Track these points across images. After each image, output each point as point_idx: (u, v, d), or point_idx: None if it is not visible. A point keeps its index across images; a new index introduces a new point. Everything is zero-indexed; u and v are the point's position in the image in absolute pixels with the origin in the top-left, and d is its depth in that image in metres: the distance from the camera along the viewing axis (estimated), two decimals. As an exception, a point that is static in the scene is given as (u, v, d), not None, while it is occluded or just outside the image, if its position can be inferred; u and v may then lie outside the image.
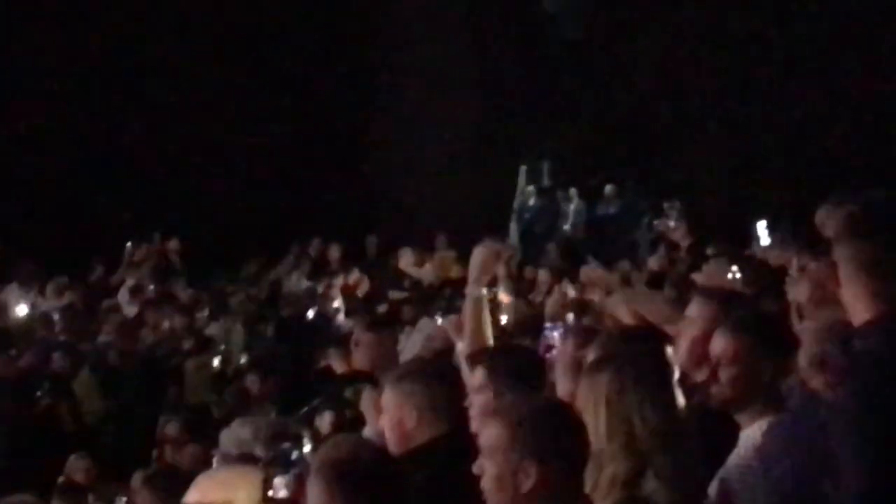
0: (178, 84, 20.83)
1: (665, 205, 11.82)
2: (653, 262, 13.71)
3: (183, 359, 13.54)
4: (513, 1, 22.69)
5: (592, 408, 3.82)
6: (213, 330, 14.46)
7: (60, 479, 9.79)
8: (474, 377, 4.97)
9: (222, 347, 14.06)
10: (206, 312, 15.05)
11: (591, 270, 7.44)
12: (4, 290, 15.78)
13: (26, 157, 19.72)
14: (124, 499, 7.32)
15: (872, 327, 3.41)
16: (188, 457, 9.62)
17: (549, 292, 13.85)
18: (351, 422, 9.60)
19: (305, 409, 10.68)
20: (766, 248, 9.31)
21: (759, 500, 4.03)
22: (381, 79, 22.51)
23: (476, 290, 5.87)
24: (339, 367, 10.97)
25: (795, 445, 4.00)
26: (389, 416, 4.95)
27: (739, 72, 20.63)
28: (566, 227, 21.13)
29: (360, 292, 16.14)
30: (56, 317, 14.17)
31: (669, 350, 4.59)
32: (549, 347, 6.95)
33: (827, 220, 6.57)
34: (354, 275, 16.40)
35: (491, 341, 5.73)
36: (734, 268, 7.37)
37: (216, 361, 13.55)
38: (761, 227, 9.55)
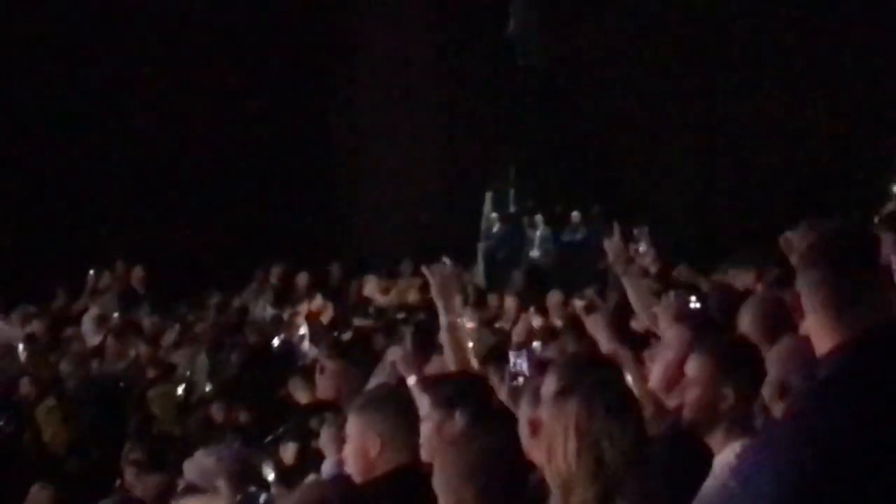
0: (141, 111, 20.77)
1: (634, 230, 11.89)
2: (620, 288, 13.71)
3: (146, 387, 13.46)
4: (478, 28, 22.73)
5: (561, 435, 3.81)
6: (177, 358, 14.38)
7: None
8: (421, 406, 4.97)
9: (187, 375, 14.00)
10: (170, 340, 14.98)
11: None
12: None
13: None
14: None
15: (836, 356, 3.41)
16: (151, 486, 9.55)
17: (515, 320, 13.88)
18: (316, 452, 9.57)
19: (270, 438, 10.65)
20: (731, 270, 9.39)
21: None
22: (346, 106, 22.50)
23: (450, 318, 5.91)
24: (303, 396, 10.95)
25: (772, 466, 3.85)
26: (353, 445, 4.92)
27: (706, 98, 20.75)
28: (532, 253, 21.17)
29: (325, 319, 16.12)
30: (20, 346, 14.09)
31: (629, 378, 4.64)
32: (516, 375, 6.95)
33: (790, 247, 6.61)
34: (318, 301, 16.38)
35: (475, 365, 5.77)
36: (692, 298, 7.43)
37: (180, 390, 13.50)
38: None
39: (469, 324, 7.75)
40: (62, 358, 14.01)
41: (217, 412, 12.08)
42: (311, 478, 7.74)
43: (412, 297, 17.15)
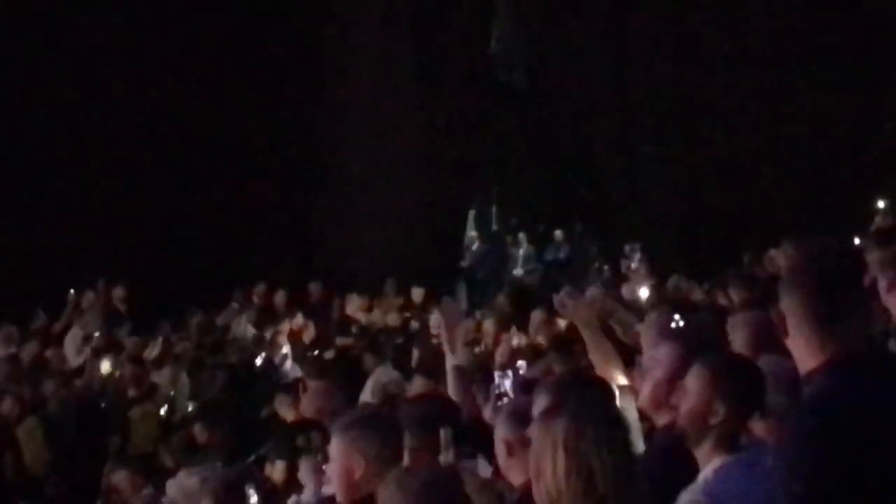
0: (121, 131, 20.75)
1: (626, 246, 11.93)
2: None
3: (128, 407, 13.41)
4: (460, 47, 22.77)
5: (550, 453, 3.85)
6: (158, 378, 14.34)
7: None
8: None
9: (169, 395, 13.96)
10: (151, 360, 14.94)
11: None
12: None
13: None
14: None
15: (819, 373, 3.44)
16: (132, 506, 9.53)
17: (495, 342, 13.85)
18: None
19: (253, 457, 10.61)
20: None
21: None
22: (327, 124, 22.51)
23: (457, 360, 6.03)
24: (288, 413, 10.93)
25: (744, 487, 4.05)
26: (337, 465, 4.90)
27: (690, 117, 20.81)
28: (516, 271, 21.20)
29: (307, 338, 16.10)
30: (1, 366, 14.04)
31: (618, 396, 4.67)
32: (501, 396, 6.97)
33: (775, 266, 6.63)
34: (299, 320, 16.35)
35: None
36: (676, 317, 7.44)
37: (162, 410, 13.46)
38: None
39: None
40: (44, 378, 13.95)
41: (199, 432, 12.02)
42: (293, 499, 7.73)
43: (391, 318, 17.15)
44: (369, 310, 17.65)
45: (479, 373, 8.29)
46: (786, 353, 3.84)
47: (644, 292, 11.94)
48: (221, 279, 18.69)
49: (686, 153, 20.71)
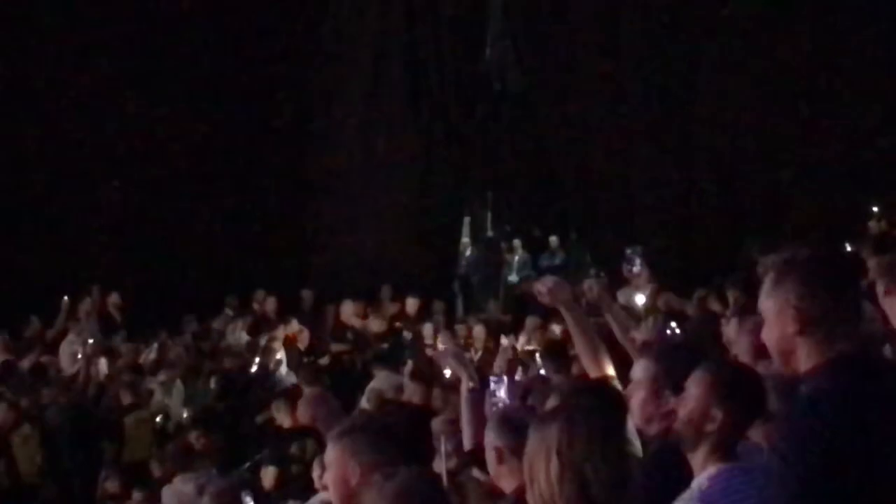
0: (116, 137, 20.77)
1: (627, 250, 11.93)
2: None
3: (123, 414, 13.43)
4: (454, 55, 22.79)
5: (544, 457, 3.87)
6: (153, 385, 14.36)
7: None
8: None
9: (163, 402, 13.98)
10: (146, 366, 14.97)
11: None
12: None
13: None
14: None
15: (815, 375, 3.44)
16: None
17: (485, 349, 13.91)
18: (295, 477, 9.57)
19: (248, 464, 10.65)
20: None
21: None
22: (322, 131, 22.53)
23: (471, 385, 6.17)
24: (284, 420, 10.96)
25: (737, 492, 4.04)
26: (333, 473, 4.86)
27: (684, 123, 20.84)
28: (510, 277, 21.21)
29: (301, 344, 16.12)
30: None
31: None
32: (494, 402, 6.98)
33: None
34: (294, 326, 16.37)
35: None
36: (673, 324, 7.46)
37: (157, 417, 13.48)
38: None
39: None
40: (39, 385, 13.97)
41: (195, 439, 12.06)
42: (289, 504, 7.77)
43: (380, 326, 17.16)
44: (364, 316, 17.64)
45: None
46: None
47: (640, 298, 11.96)
48: (216, 286, 18.71)
49: (680, 159, 20.73)
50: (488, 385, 7.38)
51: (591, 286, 7.22)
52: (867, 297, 7.66)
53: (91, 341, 15.08)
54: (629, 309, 10.90)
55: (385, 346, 16.08)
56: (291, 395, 11.28)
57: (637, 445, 5.13)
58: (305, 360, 15.49)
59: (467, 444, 6.29)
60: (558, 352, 9.43)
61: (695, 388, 4.26)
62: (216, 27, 21.09)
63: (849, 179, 18.25)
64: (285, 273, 19.95)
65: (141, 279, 18.96)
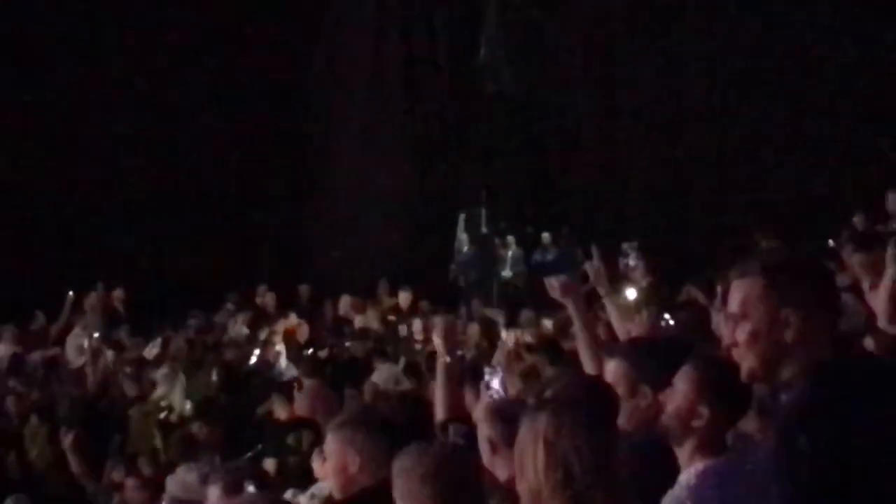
0: (119, 135, 20.86)
1: (624, 244, 11.93)
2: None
3: (128, 406, 13.58)
4: (449, 55, 22.86)
5: (531, 448, 3.88)
6: (157, 377, 14.49)
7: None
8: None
9: (167, 394, 14.09)
10: (150, 360, 15.07)
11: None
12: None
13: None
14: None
15: (802, 377, 3.37)
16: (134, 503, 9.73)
17: (477, 345, 13.99)
18: (294, 467, 9.77)
19: (249, 454, 10.83)
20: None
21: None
22: (319, 130, 22.62)
23: (448, 358, 6.18)
24: (282, 413, 11.14)
25: (728, 487, 4.11)
26: (333, 462, 5.06)
27: (677, 121, 20.91)
28: (504, 273, 21.23)
29: (300, 337, 16.19)
30: (3, 365, 14.19)
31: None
32: (490, 393, 7.14)
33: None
34: (293, 319, 16.44)
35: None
36: (667, 316, 7.53)
37: (161, 409, 13.60)
38: None
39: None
40: (53, 379, 14.10)
41: (198, 430, 12.21)
42: (289, 493, 7.95)
43: (374, 322, 17.23)
44: (362, 310, 17.72)
45: (471, 372, 8.47)
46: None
47: (631, 293, 11.98)
48: (218, 280, 18.82)
49: (671, 157, 20.82)
50: (483, 377, 7.57)
51: (593, 266, 7.31)
52: (849, 291, 7.87)
53: (96, 335, 15.25)
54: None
55: (380, 340, 16.15)
56: (290, 388, 11.46)
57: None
58: (305, 353, 15.57)
59: (439, 415, 6.27)
60: (551, 346, 9.61)
61: (682, 384, 4.30)
62: (216, 28, 21.19)
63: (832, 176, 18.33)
64: (285, 268, 20.05)
65: (144, 274, 19.08)
